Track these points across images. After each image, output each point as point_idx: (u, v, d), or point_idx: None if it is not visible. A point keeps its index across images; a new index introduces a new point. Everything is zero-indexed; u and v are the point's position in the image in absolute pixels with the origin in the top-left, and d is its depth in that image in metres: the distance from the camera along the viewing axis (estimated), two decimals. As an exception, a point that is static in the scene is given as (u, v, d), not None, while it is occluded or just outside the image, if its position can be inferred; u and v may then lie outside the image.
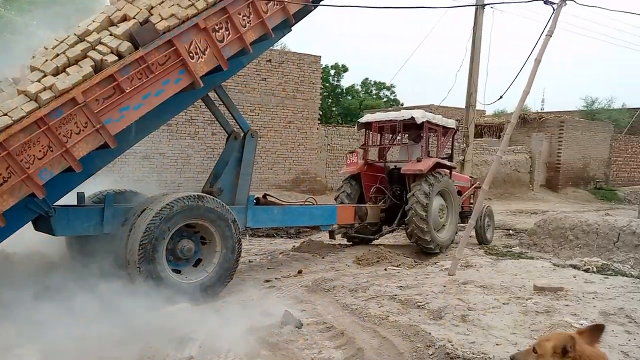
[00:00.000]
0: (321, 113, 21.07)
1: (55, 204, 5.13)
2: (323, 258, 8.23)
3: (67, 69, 4.73)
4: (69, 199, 5.57)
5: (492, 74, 12.63)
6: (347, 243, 9.59)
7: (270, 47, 17.19)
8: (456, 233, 9.41)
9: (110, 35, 5.01)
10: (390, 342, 4.01)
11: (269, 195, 8.02)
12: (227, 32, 5.66)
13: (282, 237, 11.53)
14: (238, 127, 6.91)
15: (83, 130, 4.62)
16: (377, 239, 9.52)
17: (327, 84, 37.27)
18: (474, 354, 3.62)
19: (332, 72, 38.00)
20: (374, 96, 40.32)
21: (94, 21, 5.18)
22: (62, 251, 6.41)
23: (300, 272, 7.11)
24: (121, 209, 5.62)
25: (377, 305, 5.08)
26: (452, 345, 3.76)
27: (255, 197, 7.15)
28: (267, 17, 6.08)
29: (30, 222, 5.16)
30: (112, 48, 4.90)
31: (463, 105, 14.62)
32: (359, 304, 5.15)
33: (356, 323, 4.56)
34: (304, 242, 9.50)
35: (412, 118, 8.79)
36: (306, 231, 11.74)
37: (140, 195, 6.62)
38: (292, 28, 6.83)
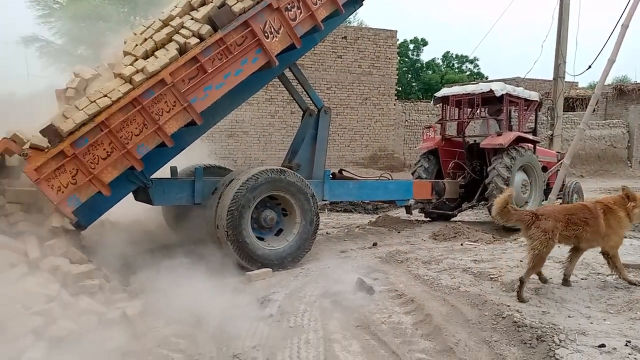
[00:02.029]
0: (400, 89, 20.82)
1: (151, 176, 5.68)
2: (399, 232, 8.33)
3: (156, 52, 5.17)
4: (163, 172, 6.13)
5: (583, 42, 11.81)
6: (424, 219, 9.60)
7: (346, 24, 17.25)
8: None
9: (192, 19, 5.39)
10: (459, 309, 4.09)
11: (344, 170, 8.23)
12: (299, 11, 5.86)
13: (359, 212, 11.75)
14: (312, 104, 7.14)
15: (172, 109, 5.08)
16: (456, 215, 9.42)
17: (406, 59, 36.56)
18: (542, 324, 3.61)
19: (412, 46, 37.15)
20: (456, 70, 38.96)
21: (176, 6, 5.60)
22: (158, 220, 7.07)
23: (375, 244, 7.28)
24: (210, 181, 6.10)
25: (449, 277, 5.13)
26: (521, 315, 3.77)
27: (332, 172, 7.38)
28: (337, -6, 6.19)
29: (131, 194, 5.76)
30: (193, 31, 5.28)
31: (551, 77, 13.81)
32: (432, 275, 5.24)
33: (427, 292, 4.66)
34: (380, 217, 9.64)
35: (491, 91, 8.54)
36: (384, 207, 11.86)
37: (226, 170, 7.13)
38: (364, 2, 6.89)
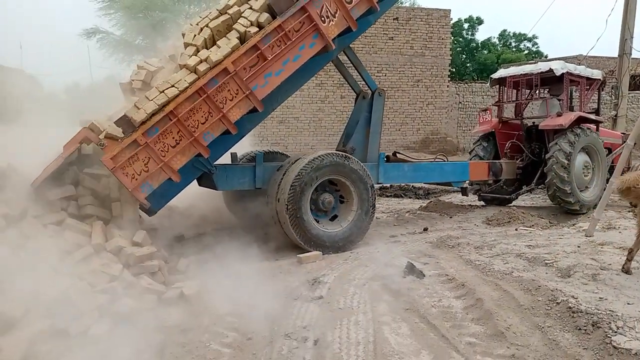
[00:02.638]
0: (453, 70, 20.31)
1: (214, 163, 5.89)
2: (451, 217, 8.25)
3: (218, 42, 5.34)
4: (223, 158, 6.35)
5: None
6: (477, 204, 9.45)
7: (397, 4, 16.98)
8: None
9: (250, 8, 5.51)
10: (511, 295, 4.08)
11: (399, 153, 8.21)
12: (356, -7, 5.85)
13: (410, 197, 11.68)
14: (366, 87, 7.14)
15: (235, 97, 5.25)
16: (515, 198, 9.19)
17: (461, 39, 35.48)
18: (599, 310, 3.54)
19: (466, 25, 35.98)
20: (514, 49, 37.43)
21: (232, -4, 5.71)
22: (214, 204, 7.34)
23: (426, 229, 7.27)
24: (270, 166, 6.29)
25: (502, 262, 5.09)
26: (577, 301, 3.71)
27: (386, 154, 7.38)
28: (393, -25, 6.13)
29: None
30: (252, 21, 5.40)
31: (616, 54, 13.08)
32: (483, 260, 5.20)
33: (478, 277, 4.66)
34: (431, 201, 9.57)
35: (551, 70, 8.24)
36: (435, 192, 11.74)
37: (285, 155, 7.30)
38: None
